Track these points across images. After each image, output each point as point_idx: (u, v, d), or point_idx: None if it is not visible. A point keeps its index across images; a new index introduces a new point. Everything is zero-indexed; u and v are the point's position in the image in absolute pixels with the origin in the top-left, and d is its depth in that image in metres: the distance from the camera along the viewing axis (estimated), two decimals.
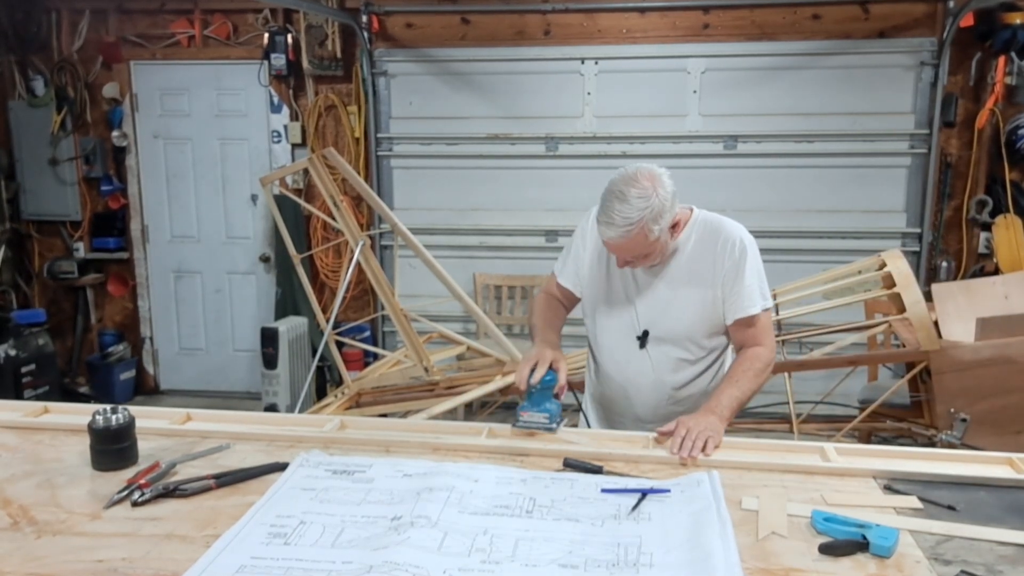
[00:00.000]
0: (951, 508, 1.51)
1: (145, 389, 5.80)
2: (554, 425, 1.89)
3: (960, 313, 3.20)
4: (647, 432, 1.89)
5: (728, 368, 2.06)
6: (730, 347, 2.12)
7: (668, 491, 1.56)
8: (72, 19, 5.42)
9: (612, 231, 1.82)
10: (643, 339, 2.03)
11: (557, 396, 1.93)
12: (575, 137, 5.12)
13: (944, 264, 4.93)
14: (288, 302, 5.37)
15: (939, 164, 4.85)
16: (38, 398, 4.73)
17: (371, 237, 4.80)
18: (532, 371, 1.91)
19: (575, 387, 2.15)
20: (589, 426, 2.22)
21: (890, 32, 4.80)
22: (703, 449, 1.73)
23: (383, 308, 4.25)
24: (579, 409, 2.27)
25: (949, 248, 4.97)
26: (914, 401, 3.43)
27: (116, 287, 5.75)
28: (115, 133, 5.47)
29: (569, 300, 2.20)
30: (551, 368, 1.91)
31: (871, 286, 3.34)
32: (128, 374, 5.66)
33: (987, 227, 4.83)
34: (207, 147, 5.52)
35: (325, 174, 3.80)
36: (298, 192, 5.33)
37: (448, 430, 1.93)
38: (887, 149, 4.90)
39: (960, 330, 3.14)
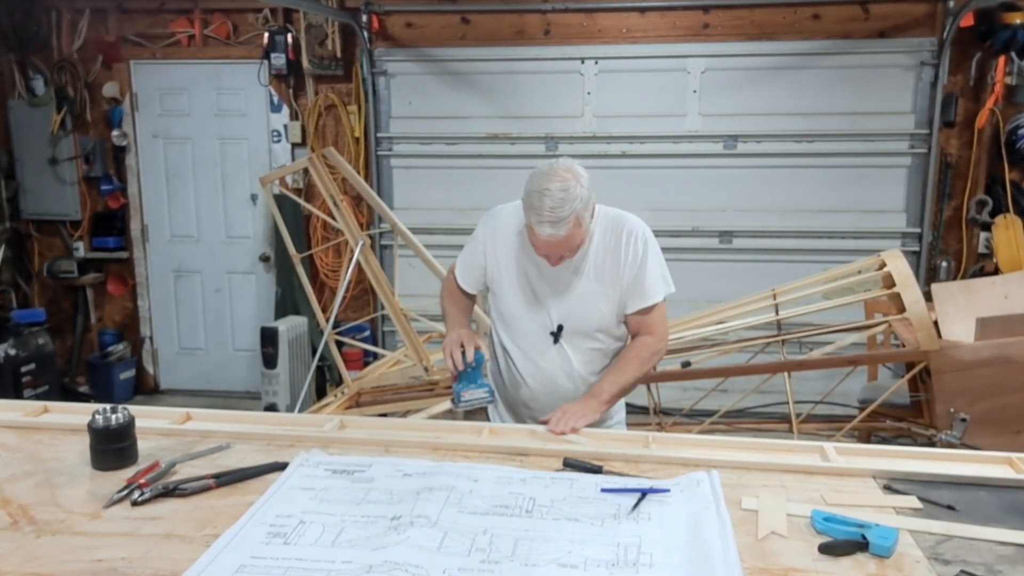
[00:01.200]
0: (951, 508, 1.51)
1: (145, 389, 5.80)
2: (494, 399, 2.01)
3: (960, 313, 3.20)
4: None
5: (619, 353, 2.13)
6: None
7: (668, 491, 1.56)
8: (72, 19, 5.42)
9: (553, 228, 1.85)
10: (557, 334, 2.07)
11: (485, 374, 2.03)
12: (575, 137, 5.12)
13: (944, 264, 4.93)
14: (288, 302, 5.37)
15: (939, 164, 4.85)
16: (38, 398, 4.73)
17: (371, 237, 4.80)
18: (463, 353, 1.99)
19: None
20: (501, 420, 2.26)
21: (890, 32, 4.79)
22: (573, 429, 1.87)
23: (383, 308, 4.25)
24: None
25: (949, 248, 4.97)
26: (914, 401, 3.43)
27: (116, 287, 5.75)
28: (115, 133, 5.47)
29: (473, 298, 2.27)
30: (476, 348, 1.99)
31: (871, 286, 3.34)
32: (128, 374, 5.65)
33: (987, 227, 4.83)
34: (207, 147, 5.52)
35: (325, 174, 3.80)
36: (298, 192, 5.32)
37: (448, 430, 1.94)
38: (887, 149, 4.90)
39: (960, 330, 3.14)
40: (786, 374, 3.33)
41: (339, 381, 4.41)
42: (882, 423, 3.46)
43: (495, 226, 2.11)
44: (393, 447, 1.83)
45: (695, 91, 5.01)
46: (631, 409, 4.11)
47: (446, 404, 3.47)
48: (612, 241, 2.04)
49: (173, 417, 1.98)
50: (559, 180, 1.86)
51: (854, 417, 3.51)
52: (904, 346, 3.25)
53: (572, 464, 1.72)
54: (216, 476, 1.61)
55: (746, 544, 1.37)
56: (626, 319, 2.09)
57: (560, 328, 2.05)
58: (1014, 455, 1.71)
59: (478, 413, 2.18)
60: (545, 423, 1.92)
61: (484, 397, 2.00)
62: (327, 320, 3.97)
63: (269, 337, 4.96)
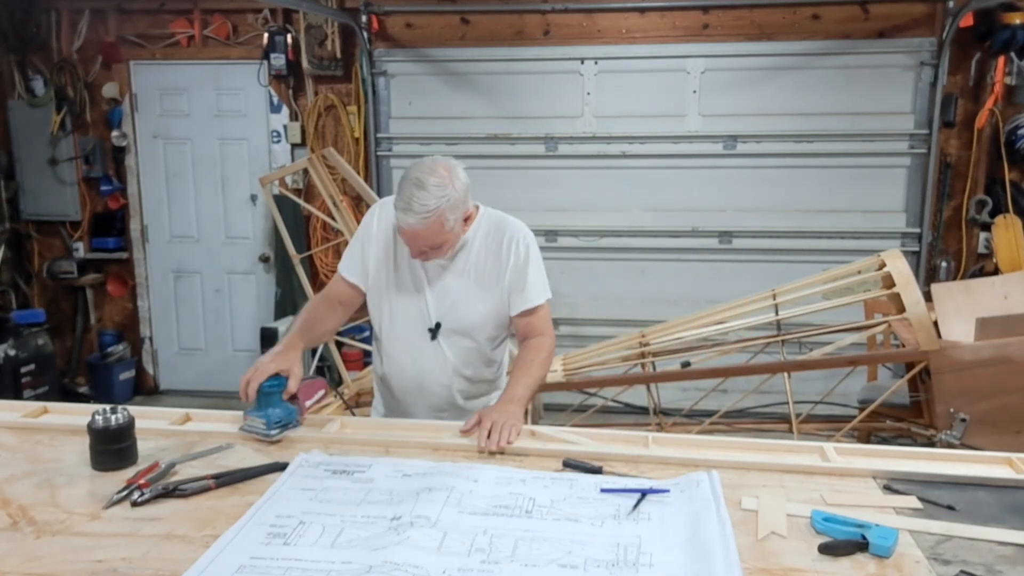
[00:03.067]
0: (950, 508, 1.51)
1: (144, 389, 5.80)
2: (273, 432, 1.85)
3: (960, 313, 3.20)
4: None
5: (517, 357, 2.15)
6: (508, 335, 2.23)
7: (667, 491, 1.56)
8: (72, 19, 5.42)
9: (411, 217, 1.86)
10: (435, 331, 2.08)
11: (294, 400, 1.92)
12: (575, 137, 5.12)
13: (944, 264, 4.94)
14: (288, 302, 5.37)
15: (939, 164, 4.85)
16: (37, 398, 4.72)
17: None
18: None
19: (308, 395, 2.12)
20: (384, 415, 2.25)
21: (890, 32, 4.80)
22: (509, 441, 1.81)
23: None
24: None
25: (949, 248, 4.97)
26: (914, 401, 3.43)
27: (116, 287, 5.75)
28: (115, 133, 5.47)
29: (352, 299, 2.17)
30: (278, 374, 1.90)
31: (871, 286, 3.34)
32: (127, 374, 5.65)
33: (987, 227, 4.83)
34: (207, 147, 5.52)
35: (325, 174, 3.81)
36: (298, 192, 5.33)
37: (447, 430, 1.93)
38: (887, 149, 4.90)
39: (960, 330, 3.14)
40: (786, 374, 3.33)
41: (339, 381, 4.41)
42: (882, 423, 3.46)
43: (381, 216, 2.11)
44: (393, 448, 1.83)
45: (695, 91, 5.01)
46: (631, 409, 4.15)
47: None
48: (494, 245, 2.09)
49: (173, 418, 1.98)
50: (436, 176, 1.88)
51: (854, 417, 3.51)
52: (904, 346, 3.25)
53: (572, 464, 1.72)
54: (216, 476, 1.61)
55: (746, 544, 1.37)
56: (512, 321, 2.13)
57: (438, 325, 2.07)
58: (1014, 455, 1.71)
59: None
60: (469, 431, 1.88)
61: (259, 428, 1.84)
62: None
63: (269, 337, 4.96)
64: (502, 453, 1.79)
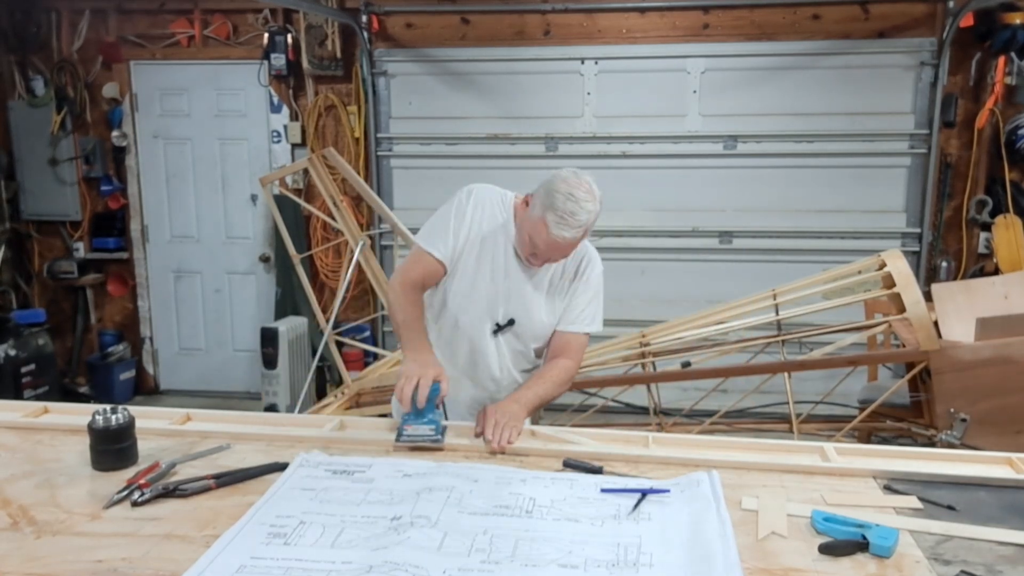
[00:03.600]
0: (951, 508, 1.51)
1: (145, 389, 5.80)
2: (440, 437, 1.83)
3: (960, 313, 3.20)
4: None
5: (540, 368, 2.17)
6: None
7: (668, 491, 1.56)
8: (72, 19, 5.42)
9: (567, 231, 1.89)
10: (499, 328, 2.10)
11: (438, 406, 1.91)
12: (575, 137, 5.12)
13: (944, 264, 4.93)
14: (288, 302, 5.37)
15: (939, 164, 4.85)
16: (38, 398, 4.72)
17: (371, 237, 4.80)
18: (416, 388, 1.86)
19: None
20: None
21: (890, 32, 4.80)
22: (509, 441, 1.82)
23: (383, 308, 4.25)
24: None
25: (949, 248, 4.97)
26: (914, 401, 3.43)
27: (116, 287, 5.75)
28: (115, 133, 5.47)
29: (436, 276, 2.14)
30: (435, 379, 1.89)
31: (871, 286, 3.34)
32: (128, 374, 5.65)
33: (987, 227, 4.83)
34: (207, 147, 5.52)
35: (325, 174, 3.81)
36: (298, 192, 5.33)
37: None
38: (887, 149, 4.90)
39: (960, 330, 3.14)
40: (786, 374, 3.33)
41: (339, 381, 4.41)
42: (882, 423, 3.46)
43: (482, 206, 2.12)
44: (393, 448, 1.82)
45: (695, 91, 5.01)
46: (632, 409, 4.14)
47: None
48: (572, 264, 2.12)
49: (173, 418, 1.98)
50: (585, 190, 1.91)
51: (854, 417, 3.51)
52: (904, 346, 3.25)
53: (572, 464, 1.72)
54: (216, 476, 1.61)
55: (746, 544, 1.37)
56: (553, 334, 2.14)
57: (511, 322, 2.09)
58: (1014, 455, 1.71)
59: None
60: (480, 434, 1.88)
61: (428, 435, 1.81)
62: (327, 320, 3.97)
63: (269, 338, 4.96)
64: (503, 453, 1.79)
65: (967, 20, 4.54)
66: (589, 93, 5.10)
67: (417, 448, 1.81)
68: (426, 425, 1.83)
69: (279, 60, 5.14)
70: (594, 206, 1.91)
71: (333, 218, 3.97)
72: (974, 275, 4.82)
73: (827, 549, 1.35)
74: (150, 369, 5.82)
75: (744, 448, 1.81)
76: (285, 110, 5.35)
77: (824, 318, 3.54)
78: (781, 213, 5.03)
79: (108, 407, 1.72)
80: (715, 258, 5.13)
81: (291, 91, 5.32)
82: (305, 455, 1.73)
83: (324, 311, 4.20)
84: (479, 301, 2.10)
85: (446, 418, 2.03)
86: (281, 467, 1.68)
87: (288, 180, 5.32)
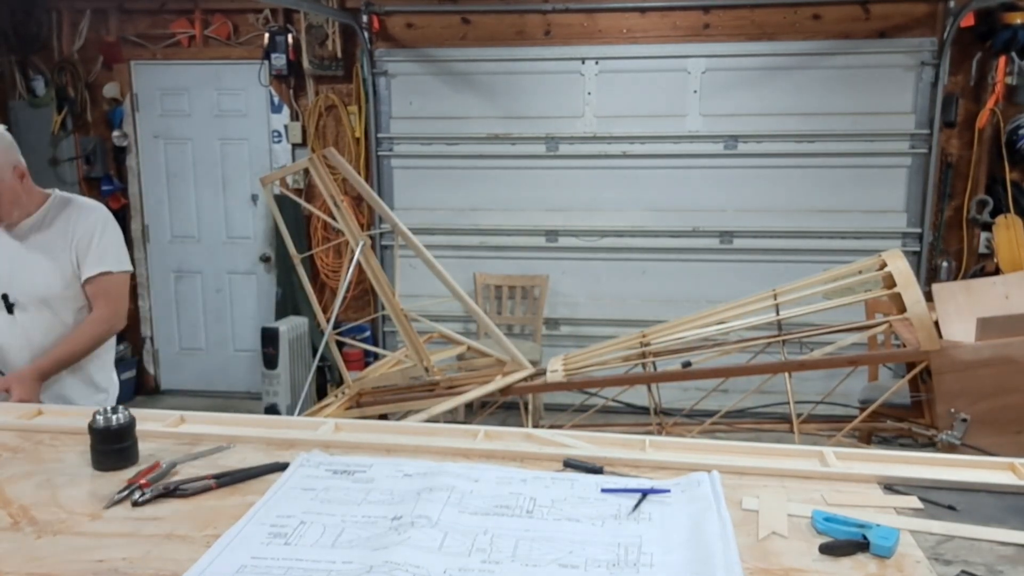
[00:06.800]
0: (951, 508, 1.51)
1: (145, 389, 5.80)
2: None
3: (960, 313, 3.20)
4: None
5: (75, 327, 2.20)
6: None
7: (668, 491, 1.56)
8: (72, 19, 5.42)
9: None
10: (8, 305, 2.12)
11: None
12: (575, 137, 5.12)
13: (944, 264, 4.94)
14: (288, 302, 5.37)
15: (939, 164, 4.85)
16: None
17: (371, 237, 4.79)
18: None
19: None
20: None
21: (890, 32, 4.80)
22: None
23: (383, 308, 4.25)
24: None
25: (949, 248, 4.97)
26: (914, 401, 3.43)
27: None
28: (115, 133, 5.47)
29: None
30: None
31: (871, 286, 3.33)
32: (128, 374, 5.65)
33: (987, 227, 4.83)
34: (207, 147, 5.52)
35: (325, 174, 3.80)
36: (298, 192, 5.33)
37: (443, 433, 1.92)
38: (887, 149, 4.90)
39: (960, 330, 3.14)
40: (787, 374, 3.33)
41: (340, 381, 4.41)
42: (883, 423, 3.46)
43: None
44: (393, 448, 1.82)
45: (695, 91, 5.01)
46: (632, 409, 4.14)
47: (447, 405, 3.47)
48: (65, 216, 2.18)
49: (166, 420, 1.97)
50: None
51: (855, 417, 3.51)
52: (905, 346, 3.25)
53: (573, 464, 1.71)
54: (217, 476, 1.61)
55: (746, 544, 1.37)
56: (84, 289, 2.19)
57: (5, 296, 2.11)
58: (1016, 460, 1.70)
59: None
60: None
61: None
62: (327, 320, 3.96)
63: (270, 337, 4.96)
64: None
65: (968, 20, 4.55)
66: (589, 93, 5.10)
67: None
68: None
69: (280, 60, 5.15)
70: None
71: (333, 218, 3.97)
72: (975, 275, 4.82)
73: (828, 549, 1.35)
74: (151, 369, 5.82)
75: (742, 452, 1.80)
76: (286, 110, 5.36)
77: (825, 318, 3.54)
78: (782, 213, 5.03)
79: (108, 407, 1.72)
80: (715, 258, 5.13)
81: (292, 91, 5.32)
82: (306, 455, 1.73)
83: (324, 311, 4.20)
84: None
85: None
86: (282, 467, 1.68)
87: (289, 180, 5.32)
